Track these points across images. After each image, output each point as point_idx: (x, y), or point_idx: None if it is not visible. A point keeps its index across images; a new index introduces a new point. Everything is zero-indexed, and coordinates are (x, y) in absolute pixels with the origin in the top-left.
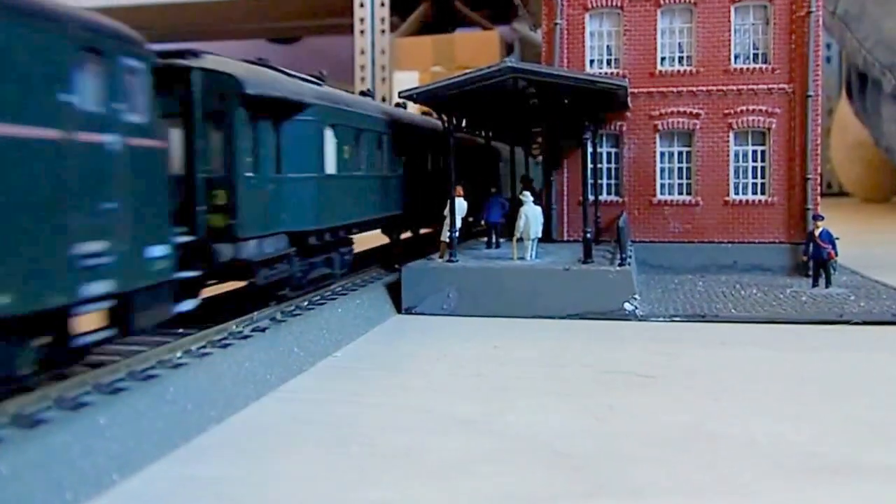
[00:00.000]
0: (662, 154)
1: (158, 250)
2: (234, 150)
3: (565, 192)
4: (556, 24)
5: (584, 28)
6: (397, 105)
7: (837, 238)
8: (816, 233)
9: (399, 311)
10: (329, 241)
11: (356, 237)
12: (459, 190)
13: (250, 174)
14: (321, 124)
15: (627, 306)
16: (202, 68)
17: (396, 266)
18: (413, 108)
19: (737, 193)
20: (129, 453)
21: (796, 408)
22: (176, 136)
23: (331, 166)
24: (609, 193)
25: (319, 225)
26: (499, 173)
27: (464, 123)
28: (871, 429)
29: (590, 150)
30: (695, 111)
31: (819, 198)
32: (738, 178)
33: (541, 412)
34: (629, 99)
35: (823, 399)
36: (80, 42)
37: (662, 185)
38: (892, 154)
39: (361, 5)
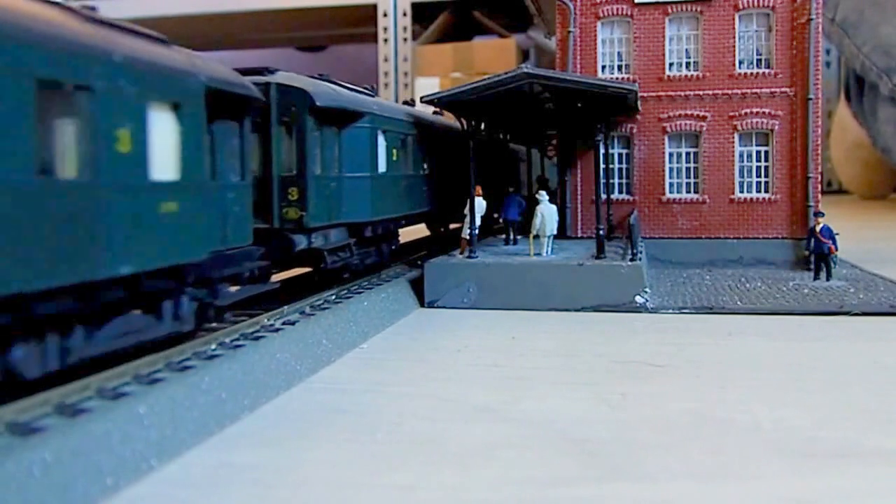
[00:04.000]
0: (671, 155)
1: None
2: (305, 153)
3: (579, 191)
4: (569, 31)
5: (595, 36)
6: (435, 112)
7: (837, 234)
8: (817, 228)
9: (422, 304)
10: (382, 233)
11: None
12: (479, 189)
13: (318, 173)
14: (375, 130)
15: (639, 299)
16: (278, 83)
17: (419, 262)
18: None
19: (742, 192)
20: (167, 440)
21: (799, 395)
22: (256, 142)
23: (382, 166)
24: (621, 192)
25: (373, 216)
26: (517, 173)
27: (483, 126)
28: (869, 415)
29: (602, 151)
30: (701, 114)
31: (820, 195)
32: (742, 177)
33: (556, 400)
34: (639, 102)
35: (825, 386)
36: None
37: (671, 184)
38: (888, 154)
39: (385, 15)
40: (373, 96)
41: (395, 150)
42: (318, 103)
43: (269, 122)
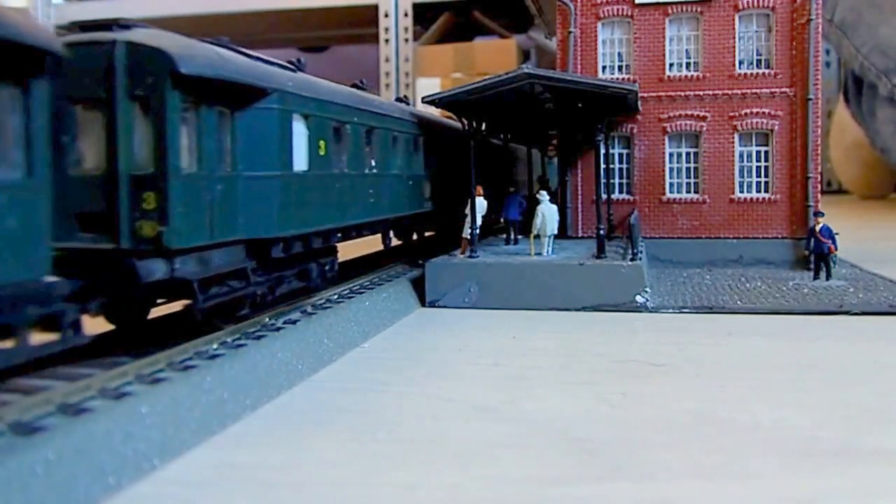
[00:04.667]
0: (671, 155)
1: None
2: (166, 141)
3: (579, 191)
4: (570, 32)
5: (596, 36)
6: (398, 99)
7: (837, 233)
8: (817, 228)
9: (423, 304)
10: (302, 251)
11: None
12: (479, 189)
13: (190, 171)
14: (288, 114)
15: (639, 299)
16: (128, 42)
17: (420, 262)
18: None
19: (742, 192)
20: (169, 440)
21: (799, 394)
22: (98, 126)
23: (301, 163)
24: (621, 192)
25: (283, 231)
26: (516, 173)
27: (483, 126)
28: (869, 414)
29: (602, 151)
30: (701, 114)
31: (819, 195)
32: (742, 177)
33: (557, 400)
34: (639, 103)
35: (824, 386)
36: None
37: (671, 184)
38: (887, 154)
39: (386, 15)
40: (295, 71)
41: (323, 142)
42: (182, 70)
43: (115, 96)
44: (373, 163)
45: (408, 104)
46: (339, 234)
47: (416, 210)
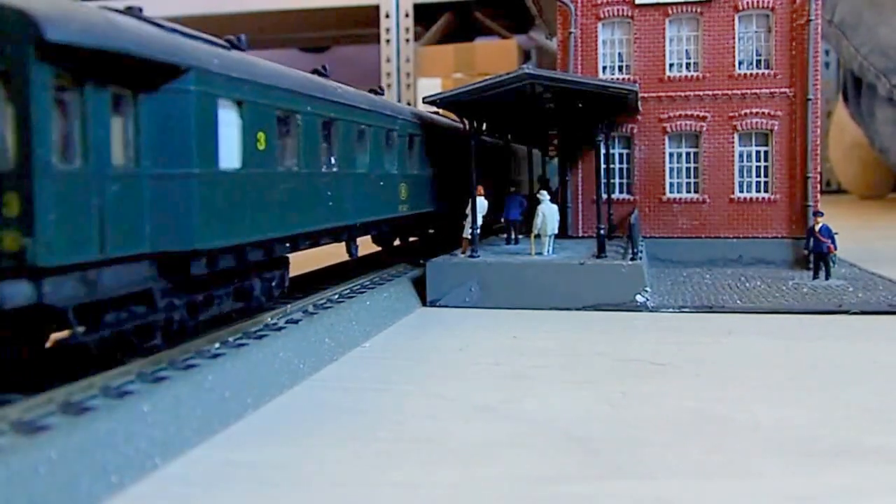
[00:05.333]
0: (671, 155)
1: None
2: (32, 128)
3: (580, 191)
4: (570, 32)
5: (596, 37)
6: (371, 90)
7: (836, 233)
8: (816, 228)
9: (424, 303)
10: (235, 266)
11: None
12: (480, 189)
13: (68, 167)
14: (211, 98)
15: (639, 298)
16: None
17: (421, 261)
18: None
19: (741, 191)
20: (171, 439)
21: (798, 393)
22: None
23: (231, 159)
24: (621, 192)
25: (205, 243)
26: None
27: (484, 126)
28: (869, 413)
29: (603, 151)
30: (701, 114)
31: (819, 195)
32: (742, 177)
33: (557, 399)
34: (639, 103)
35: (824, 385)
36: None
37: (671, 184)
38: (886, 154)
39: (387, 16)
40: (229, 49)
41: (263, 135)
42: (49, 37)
43: None
44: (332, 160)
45: (382, 94)
46: (288, 244)
47: (390, 214)
